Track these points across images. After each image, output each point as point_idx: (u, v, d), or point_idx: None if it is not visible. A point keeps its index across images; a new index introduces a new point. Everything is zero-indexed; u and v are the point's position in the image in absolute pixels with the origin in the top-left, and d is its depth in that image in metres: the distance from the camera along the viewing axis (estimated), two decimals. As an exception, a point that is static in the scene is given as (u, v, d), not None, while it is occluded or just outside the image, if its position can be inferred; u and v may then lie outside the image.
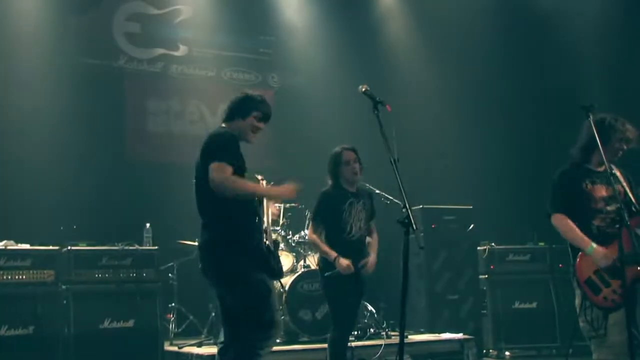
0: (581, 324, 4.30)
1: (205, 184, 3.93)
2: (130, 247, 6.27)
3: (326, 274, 4.99)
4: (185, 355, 6.06)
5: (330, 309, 5.08)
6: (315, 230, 5.14)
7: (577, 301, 4.36)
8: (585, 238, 4.29)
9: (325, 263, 5.05)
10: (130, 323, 6.06)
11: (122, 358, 5.94)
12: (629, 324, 3.92)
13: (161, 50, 8.75)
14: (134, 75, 8.57)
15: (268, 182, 7.77)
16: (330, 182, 5.22)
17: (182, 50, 8.88)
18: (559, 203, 4.42)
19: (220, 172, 3.89)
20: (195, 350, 6.03)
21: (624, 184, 4.40)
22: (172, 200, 7.23)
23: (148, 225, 6.70)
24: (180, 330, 7.05)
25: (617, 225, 4.13)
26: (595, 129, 4.29)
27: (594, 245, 4.23)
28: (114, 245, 6.26)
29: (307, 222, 7.08)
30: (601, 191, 4.30)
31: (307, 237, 6.15)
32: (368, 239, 5.18)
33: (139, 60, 8.60)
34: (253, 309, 3.96)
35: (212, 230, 4.02)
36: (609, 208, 4.28)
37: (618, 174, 4.46)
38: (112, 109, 8.27)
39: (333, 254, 4.93)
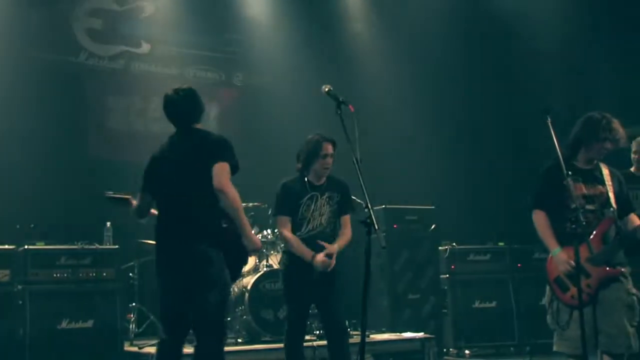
0: (547, 317, 4.39)
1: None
2: (90, 246, 6.20)
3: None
4: (145, 356, 5.98)
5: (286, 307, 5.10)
6: (284, 225, 4.92)
7: (547, 297, 4.45)
8: (553, 240, 4.35)
9: (289, 259, 4.98)
10: (90, 323, 5.99)
11: (81, 359, 5.85)
12: (581, 320, 4.00)
13: (123, 47, 8.63)
14: (95, 71, 8.43)
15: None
16: (298, 166, 5.05)
17: (144, 48, 8.77)
18: (539, 199, 4.48)
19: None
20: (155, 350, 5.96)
21: (609, 184, 4.46)
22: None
23: (109, 224, 6.61)
24: (140, 330, 6.97)
25: (577, 227, 4.21)
26: (580, 128, 4.37)
27: (558, 249, 4.31)
28: (73, 245, 6.17)
29: (270, 220, 7.08)
30: (581, 189, 4.30)
31: (278, 236, 6.08)
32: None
33: (100, 57, 8.47)
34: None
35: None
36: (588, 207, 4.31)
37: (606, 172, 4.50)
38: (73, 105, 8.13)
39: (308, 254, 4.80)
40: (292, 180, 5.04)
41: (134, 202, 4.44)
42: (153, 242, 6.39)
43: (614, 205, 4.35)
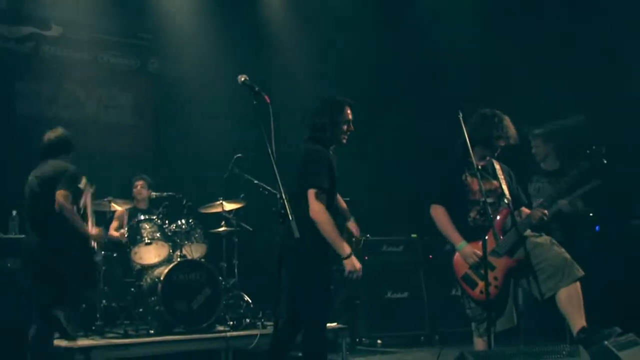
0: (467, 311, 4.55)
1: None
2: (-6, 236, 5.96)
3: None
4: (54, 348, 5.78)
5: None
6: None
7: (461, 295, 4.60)
8: (456, 234, 4.48)
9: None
10: (-7, 315, 5.75)
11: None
12: (489, 315, 4.16)
13: (31, 29, 8.27)
14: (1, 54, 8.06)
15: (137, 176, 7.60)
16: (319, 134, 4.36)
17: (55, 31, 8.44)
18: (439, 195, 4.60)
19: None
20: (64, 343, 5.78)
21: (501, 178, 4.63)
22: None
23: (14, 212, 6.36)
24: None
25: (483, 219, 4.37)
26: (473, 125, 4.51)
27: (463, 242, 4.45)
28: (-23, 233, 5.92)
29: (185, 210, 7.00)
30: (479, 184, 4.43)
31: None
32: None
33: (6, 38, 8.09)
34: None
35: None
36: (489, 200, 4.43)
37: (497, 167, 4.69)
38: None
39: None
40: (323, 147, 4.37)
41: None
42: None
43: (508, 197, 4.54)
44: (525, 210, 4.68)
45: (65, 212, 4.99)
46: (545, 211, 4.47)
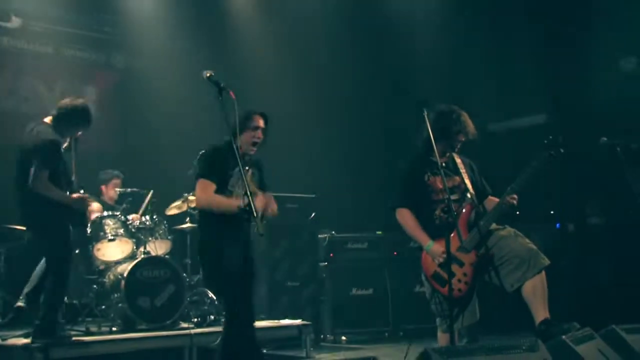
0: (431, 307, 4.57)
1: None
2: (-50, 232, 5.82)
3: None
4: (9, 348, 5.66)
5: None
6: None
7: (427, 292, 4.61)
8: (424, 235, 4.51)
9: None
10: (-53, 314, 5.61)
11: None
12: (451, 311, 4.20)
13: (-10, 20, 8.13)
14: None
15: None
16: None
17: (15, 22, 8.26)
18: (402, 197, 4.62)
19: None
20: (22, 341, 5.67)
21: (463, 172, 4.67)
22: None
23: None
24: (5, 321, 6.63)
25: (449, 217, 4.39)
26: (432, 122, 4.53)
27: (431, 242, 4.48)
28: None
29: (149, 206, 6.93)
30: (442, 182, 4.42)
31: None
32: None
33: (-37, 28, 7.95)
34: None
35: None
36: (453, 197, 4.46)
37: (458, 161, 4.72)
38: None
39: None
40: None
41: None
42: (22, 228, 6.15)
43: (471, 191, 4.59)
44: (492, 199, 4.71)
45: None
46: (515, 196, 4.49)
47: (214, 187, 4.33)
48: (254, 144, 4.53)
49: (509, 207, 4.48)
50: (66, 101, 5.31)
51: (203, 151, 4.53)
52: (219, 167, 4.37)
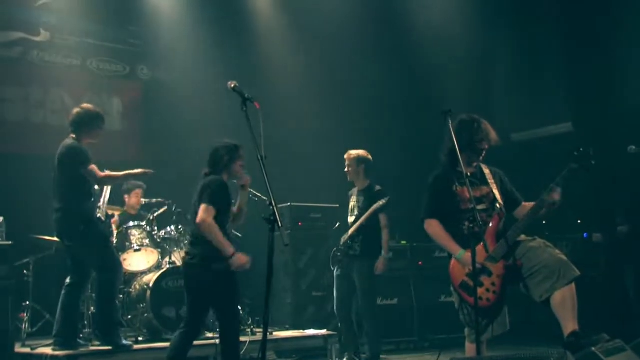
0: (460, 317, 4.51)
1: None
2: (-18, 242, 5.89)
3: None
4: (38, 357, 5.74)
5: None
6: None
7: (456, 302, 4.56)
8: (454, 244, 4.48)
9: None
10: (-21, 323, 5.68)
11: (-31, 360, 5.56)
12: (476, 322, 4.16)
13: (20, 34, 8.25)
14: (-12, 59, 8.05)
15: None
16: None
17: (43, 36, 8.41)
18: (431, 209, 4.60)
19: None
20: (49, 351, 5.74)
21: (491, 182, 4.64)
22: (29, 193, 6.85)
23: (2, 219, 6.30)
24: (34, 330, 6.70)
25: (474, 226, 4.35)
26: (455, 133, 4.50)
27: (462, 251, 4.45)
28: (-35, 240, 5.86)
29: (174, 217, 6.97)
30: (470, 192, 4.38)
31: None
32: None
33: (-6, 43, 8.08)
34: None
35: None
36: (480, 207, 4.43)
37: (487, 172, 4.69)
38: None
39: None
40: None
41: None
42: (49, 238, 6.23)
43: (500, 201, 4.55)
44: (526, 204, 4.65)
45: None
46: (559, 189, 4.38)
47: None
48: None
49: (550, 204, 4.39)
50: (72, 112, 5.84)
51: None
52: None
